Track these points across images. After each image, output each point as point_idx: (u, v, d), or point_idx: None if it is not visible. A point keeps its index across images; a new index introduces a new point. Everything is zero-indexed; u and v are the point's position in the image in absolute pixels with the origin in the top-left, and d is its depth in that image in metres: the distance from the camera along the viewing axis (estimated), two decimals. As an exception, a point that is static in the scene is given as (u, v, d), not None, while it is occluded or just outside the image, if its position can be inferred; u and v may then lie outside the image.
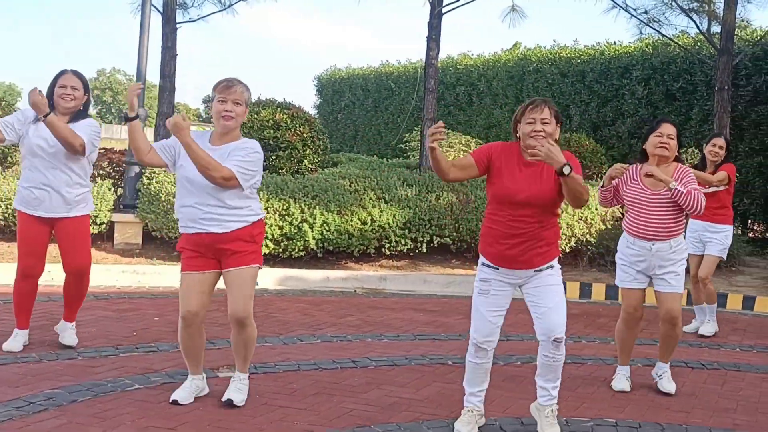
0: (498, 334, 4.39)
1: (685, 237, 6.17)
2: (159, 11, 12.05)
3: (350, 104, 22.95)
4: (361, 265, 10.04)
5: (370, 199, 10.02)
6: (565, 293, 9.15)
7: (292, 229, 9.38)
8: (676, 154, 5.33)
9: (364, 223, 9.79)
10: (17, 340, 5.49)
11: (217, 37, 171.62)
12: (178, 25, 12.09)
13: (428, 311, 8.01)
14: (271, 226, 9.26)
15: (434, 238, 10.25)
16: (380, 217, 9.87)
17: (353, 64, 24.05)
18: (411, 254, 10.35)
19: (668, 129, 5.30)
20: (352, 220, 9.71)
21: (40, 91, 5.18)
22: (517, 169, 4.23)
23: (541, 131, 4.14)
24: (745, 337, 7.53)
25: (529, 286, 4.35)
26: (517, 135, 4.29)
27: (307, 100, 60.52)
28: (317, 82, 24.55)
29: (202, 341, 4.67)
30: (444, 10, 11.80)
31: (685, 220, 5.44)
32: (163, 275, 8.76)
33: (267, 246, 9.28)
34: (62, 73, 5.49)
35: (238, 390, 4.64)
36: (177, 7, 12.09)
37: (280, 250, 9.43)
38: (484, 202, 10.44)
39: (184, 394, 4.58)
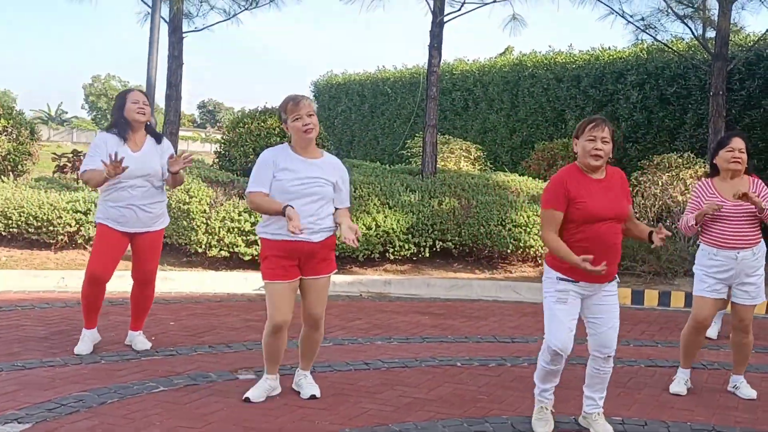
0: (573, 342, 4.48)
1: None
2: (166, 21, 12.20)
3: (347, 110, 23.11)
4: (366, 269, 10.18)
5: (374, 204, 10.17)
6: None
7: (299, 235, 9.53)
8: (746, 166, 5.47)
9: (369, 228, 9.94)
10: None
11: (212, 44, 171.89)
12: (184, 35, 12.25)
13: (433, 314, 8.15)
14: (278, 231, 9.41)
15: (437, 242, 10.40)
16: (384, 222, 10.03)
17: (350, 70, 24.23)
18: (414, 259, 10.50)
19: (739, 144, 5.44)
20: (357, 226, 9.85)
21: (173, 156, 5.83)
22: (593, 189, 4.39)
23: (601, 150, 4.32)
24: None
25: (593, 302, 4.49)
26: (575, 150, 4.47)
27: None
28: (314, 87, 24.72)
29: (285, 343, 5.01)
30: (445, 19, 11.97)
31: (760, 228, 5.54)
32: (175, 281, 8.90)
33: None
34: (129, 91, 5.88)
35: (314, 384, 5.08)
36: (183, 17, 12.23)
37: (287, 255, 9.58)
38: (485, 207, 10.59)
39: (258, 393, 4.87)
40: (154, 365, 5.50)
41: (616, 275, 4.55)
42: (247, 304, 8.17)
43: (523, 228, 10.56)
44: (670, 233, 4.46)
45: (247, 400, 4.79)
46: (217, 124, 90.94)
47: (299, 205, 4.68)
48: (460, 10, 12.24)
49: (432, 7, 11.99)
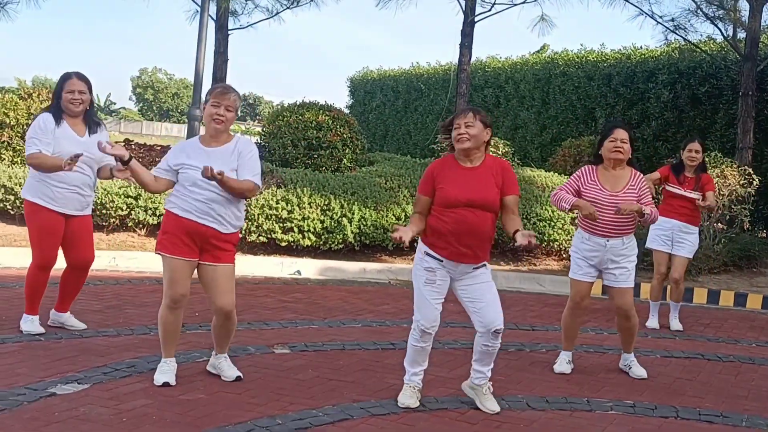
0: (439, 319, 4.79)
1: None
2: (213, 19, 12.67)
3: (381, 105, 23.46)
4: (395, 258, 10.55)
5: (404, 196, 10.54)
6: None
7: (333, 223, 9.95)
8: (629, 157, 5.68)
9: (399, 218, 10.31)
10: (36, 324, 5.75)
11: (255, 41, 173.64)
12: (229, 32, 12.74)
13: (457, 302, 8.46)
14: (313, 220, 9.85)
15: (464, 234, 10.72)
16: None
17: (384, 66, 24.59)
18: (442, 249, 10.83)
19: (621, 134, 5.64)
20: (387, 216, 10.25)
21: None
22: (459, 175, 4.70)
23: (465, 134, 4.62)
24: (762, 334, 7.84)
25: (464, 283, 4.77)
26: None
27: (338, 101, 60.92)
28: (350, 83, 25.12)
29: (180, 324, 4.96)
30: (476, 19, 12.29)
31: (635, 220, 5.72)
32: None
33: (309, 239, 9.87)
34: (68, 77, 5.64)
35: (232, 366, 5.05)
36: (229, 15, 12.71)
37: (321, 242, 10.02)
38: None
39: (166, 376, 4.78)
40: (198, 338, 5.93)
41: (486, 261, 4.78)
42: (282, 286, 8.59)
43: (548, 222, 10.87)
44: (535, 240, 4.62)
45: (167, 384, 4.74)
46: (257, 117, 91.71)
47: (199, 194, 4.70)
48: (490, 10, 12.56)
49: (463, 7, 12.32)
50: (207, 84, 13.15)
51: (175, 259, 4.74)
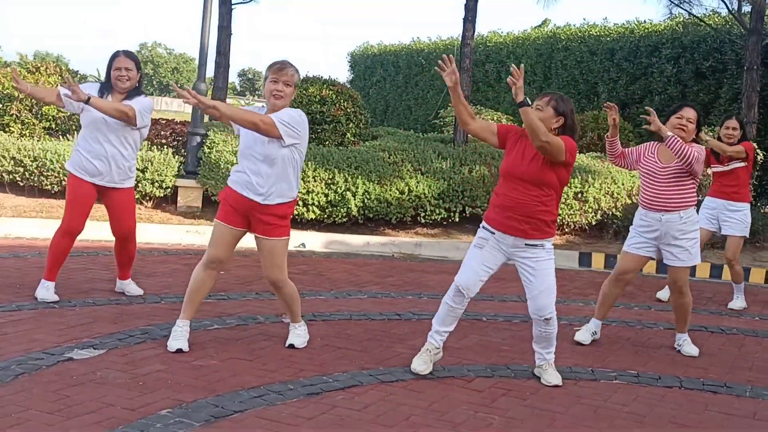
0: (479, 287, 4.87)
1: (698, 212, 6.57)
2: (217, -7, 12.65)
3: (382, 80, 23.44)
4: (398, 232, 10.63)
5: (408, 170, 10.59)
6: (591, 264, 9.70)
7: (337, 197, 10.01)
8: (693, 137, 5.70)
9: (402, 192, 10.38)
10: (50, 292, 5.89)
11: (256, 14, 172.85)
12: (233, 6, 12.73)
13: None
14: (318, 194, 9.90)
15: (466, 208, 10.80)
16: (417, 187, 10.45)
17: (385, 41, 24.55)
18: (444, 223, 10.92)
19: (689, 113, 5.71)
20: (390, 190, 10.31)
21: (68, 78, 5.84)
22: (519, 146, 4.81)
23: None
24: (765, 308, 7.90)
25: (524, 263, 4.82)
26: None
27: (339, 76, 60.66)
28: (350, 58, 25.08)
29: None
30: (480, -8, 12.27)
31: (695, 195, 5.77)
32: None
33: (314, 212, 9.94)
34: (116, 55, 5.88)
35: (297, 335, 5.27)
36: (233, -13, 12.72)
37: (326, 216, 10.08)
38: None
39: (178, 342, 4.88)
40: (209, 307, 6.01)
41: (543, 242, 4.79)
42: (288, 258, 8.61)
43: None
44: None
45: (180, 350, 4.84)
46: (257, 92, 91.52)
47: (249, 164, 4.86)
48: (495, -17, 12.54)
49: (468, -20, 12.29)
50: (212, 58, 13.18)
51: (219, 223, 4.95)
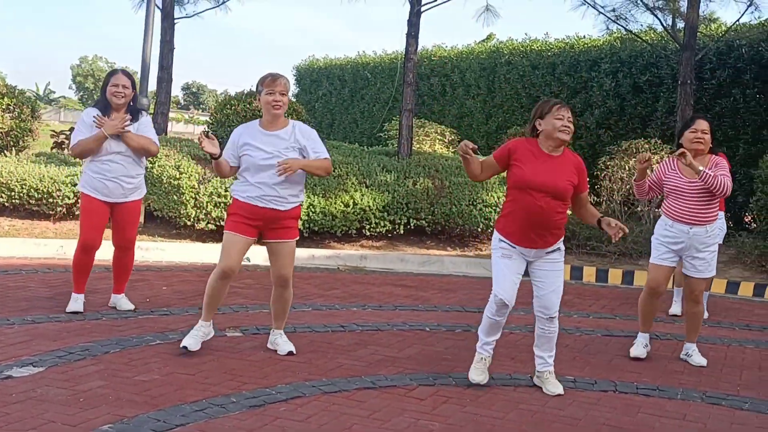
0: (515, 296, 4.99)
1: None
2: (159, 7, 12.61)
3: (327, 93, 23.49)
4: (344, 244, 10.69)
5: (353, 183, 10.67)
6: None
7: (281, 211, 10.03)
8: (710, 146, 5.91)
9: (347, 206, 10.45)
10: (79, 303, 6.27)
11: (200, 29, 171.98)
12: (175, 21, 12.71)
13: (406, 287, 8.68)
14: (261, 207, 9.91)
15: (411, 220, 10.93)
16: (361, 200, 10.54)
17: (330, 55, 24.62)
18: (389, 235, 11.02)
19: (702, 125, 5.89)
20: (335, 203, 10.37)
21: (99, 116, 6.05)
22: (539, 161, 4.87)
23: (568, 126, 4.85)
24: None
25: (537, 267, 5.00)
26: (538, 130, 4.91)
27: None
28: (296, 71, 25.08)
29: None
30: (422, 9, 12.43)
31: (717, 209, 5.95)
32: (166, 251, 9.37)
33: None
34: (114, 72, 6.24)
35: (288, 342, 5.55)
36: (175, 3, 12.67)
37: (270, 229, 10.09)
38: (458, 187, 11.13)
39: (193, 341, 5.28)
40: (150, 323, 6.02)
41: (558, 245, 5.01)
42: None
43: (494, 208, 11.11)
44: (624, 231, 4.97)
45: (185, 348, 5.20)
46: (201, 105, 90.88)
47: (265, 176, 5.15)
48: (436, 0, 12.69)
49: (410, -4, 12.44)
50: (154, 72, 13.13)
51: (231, 234, 5.22)
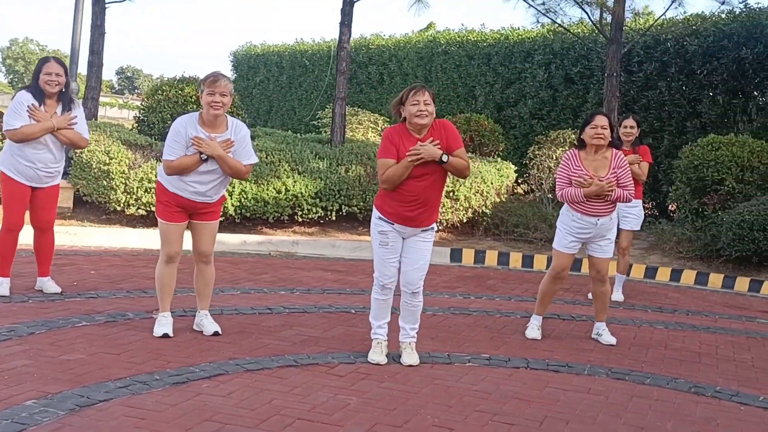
0: (397, 275, 5.28)
1: None
2: (89, -8, 12.49)
3: (265, 80, 23.45)
4: (276, 230, 10.82)
5: (285, 170, 10.79)
6: (461, 260, 10.14)
7: (213, 196, 10.11)
8: (610, 139, 6.13)
9: (279, 192, 10.57)
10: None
11: (133, 12, 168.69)
12: (107, 5, 12.61)
13: (336, 271, 8.86)
14: (193, 193, 9.98)
15: (343, 207, 11.10)
16: (294, 187, 10.67)
17: (268, 42, 24.57)
18: (321, 222, 11.18)
19: (601, 121, 6.11)
20: (267, 189, 10.49)
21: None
22: (411, 144, 5.09)
23: (425, 111, 5.02)
24: (631, 298, 8.43)
25: (408, 244, 5.26)
26: (402, 115, 5.16)
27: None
28: (233, 57, 24.97)
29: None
30: (355, -1, 12.57)
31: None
32: (94, 236, 9.39)
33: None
34: (46, 60, 6.27)
35: (213, 322, 5.70)
36: (106, -14, 12.58)
37: (201, 215, 10.16)
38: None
39: (165, 329, 5.48)
40: (77, 305, 6.08)
41: (434, 224, 5.31)
42: (162, 258, 8.71)
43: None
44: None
45: (166, 335, 5.41)
46: (136, 90, 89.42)
47: (201, 176, 5.38)
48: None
49: (342, -14, 12.54)
50: (84, 57, 13.02)
51: (167, 223, 5.47)
